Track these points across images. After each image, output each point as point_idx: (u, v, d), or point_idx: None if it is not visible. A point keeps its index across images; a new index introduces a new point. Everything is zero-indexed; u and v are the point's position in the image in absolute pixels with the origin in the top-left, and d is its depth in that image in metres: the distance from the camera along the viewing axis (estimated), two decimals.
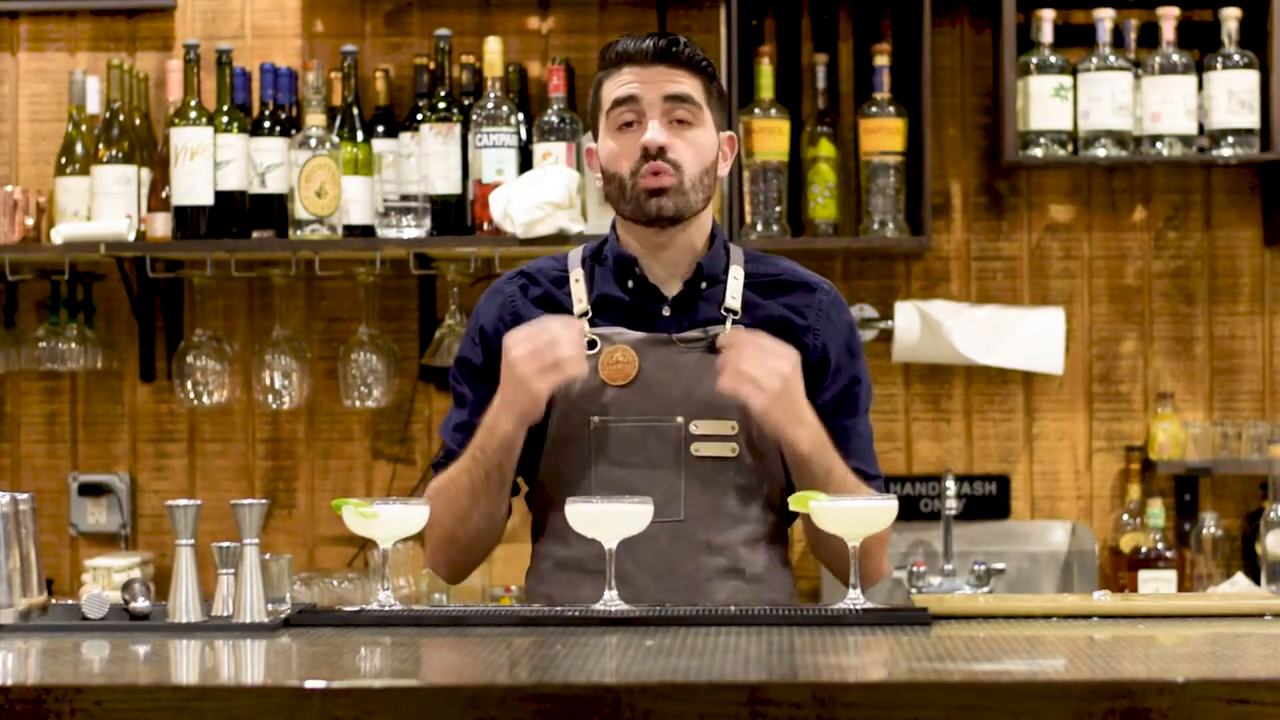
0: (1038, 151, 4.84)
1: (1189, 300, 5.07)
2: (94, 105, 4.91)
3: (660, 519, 3.12)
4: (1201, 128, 4.86)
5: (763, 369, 3.13)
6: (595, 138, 3.32)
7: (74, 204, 4.84)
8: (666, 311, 3.28)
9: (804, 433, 3.18)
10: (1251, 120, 4.83)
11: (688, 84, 3.24)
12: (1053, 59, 4.85)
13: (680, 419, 3.23)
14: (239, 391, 4.99)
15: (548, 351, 3.13)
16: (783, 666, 2.52)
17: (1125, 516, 4.97)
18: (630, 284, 3.29)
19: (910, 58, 4.90)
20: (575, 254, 3.36)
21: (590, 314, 3.28)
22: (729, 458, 3.24)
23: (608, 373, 3.25)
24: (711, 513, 3.21)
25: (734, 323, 3.27)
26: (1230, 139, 4.84)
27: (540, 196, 4.62)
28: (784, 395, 3.14)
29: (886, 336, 5.02)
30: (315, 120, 4.73)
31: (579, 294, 3.30)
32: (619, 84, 3.25)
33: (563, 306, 3.30)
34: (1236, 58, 4.84)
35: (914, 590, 4.82)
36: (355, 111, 4.84)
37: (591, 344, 3.25)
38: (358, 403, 4.89)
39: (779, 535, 3.32)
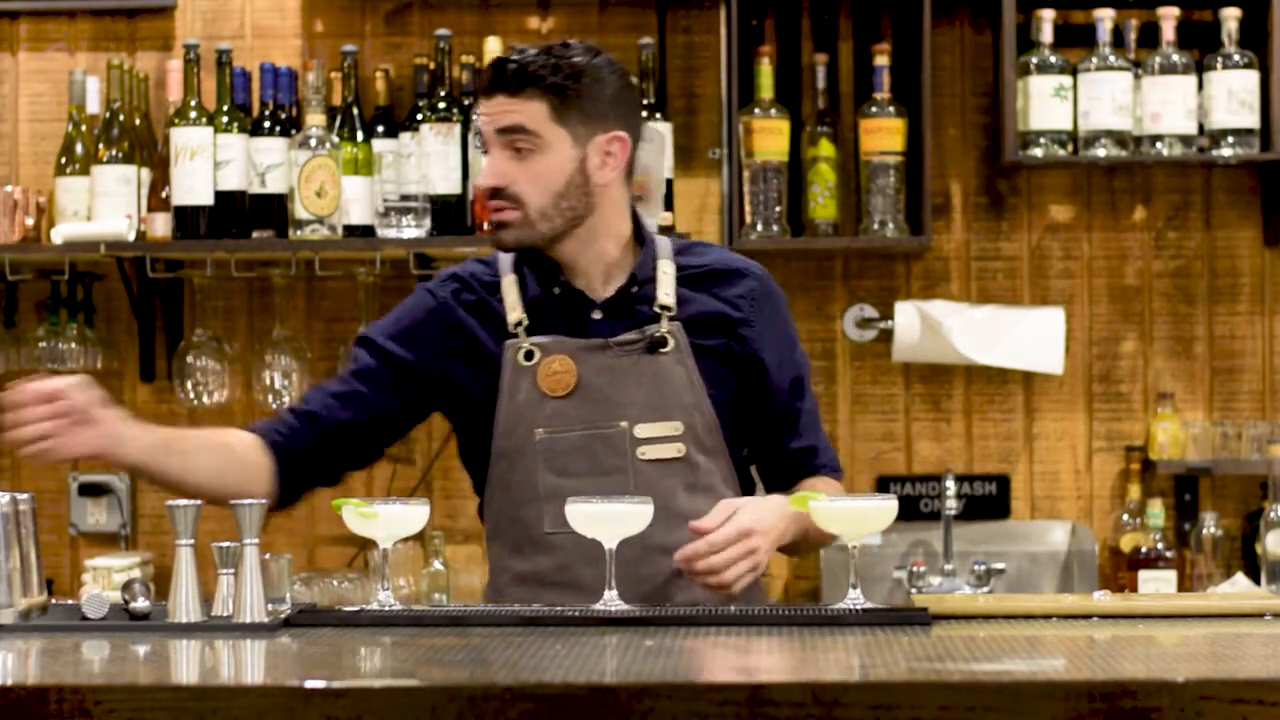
0: (1038, 151, 4.84)
1: (1189, 300, 5.07)
2: (94, 105, 4.91)
3: None
4: (1201, 128, 4.86)
5: (734, 575, 3.08)
6: None
7: (74, 204, 4.84)
8: (598, 315, 3.26)
9: (785, 538, 3.19)
10: (1251, 120, 4.83)
11: (525, 112, 3.18)
12: (1053, 59, 4.85)
13: (624, 424, 3.22)
14: (239, 391, 4.98)
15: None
16: (783, 666, 2.52)
17: (1125, 516, 4.97)
18: (557, 290, 3.27)
19: (910, 58, 4.90)
20: (506, 258, 3.32)
21: (525, 322, 3.26)
22: (677, 458, 3.23)
23: (547, 384, 3.23)
24: (663, 515, 3.19)
25: (669, 319, 3.25)
26: (1230, 139, 4.84)
27: None
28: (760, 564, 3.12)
29: (886, 336, 5.02)
30: (315, 120, 4.73)
31: (512, 301, 3.27)
32: (477, 117, 3.26)
33: (496, 313, 3.27)
34: (1236, 58, 4.84)
35: (914, 590, 4.82)
36: (355, 111, 4.84)
37: (529, 355, 3.24)
38: None
39: None
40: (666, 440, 3.23)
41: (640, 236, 3.32)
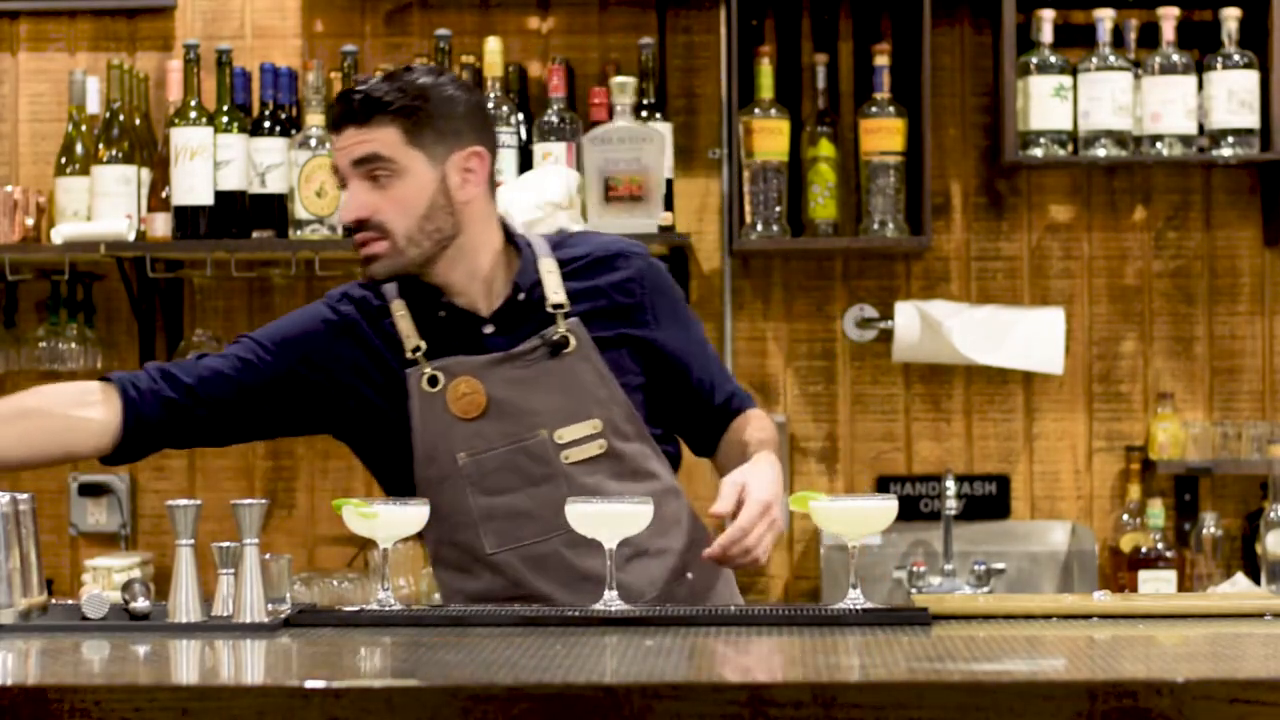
0: (1038, 151, 4.84)
1: (1189, 300, 5.07)
2: (94, 105, 4.91)
3: (554, 533, 3.17)
4: (1201, 128, 4.86)
5: (765, 549, 3.10)
6: None
7: (74, 204, 4.84)
8: (490, 329, 3.24)
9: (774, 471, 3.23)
10: (1251, 120, 4.83)
11: (378, 139, 3.15)
12: (1053, 59, 4.85)
13: (544, 432, 3.22)
14: None
15: None
16: (783, 666, 2.52)
17: (1125, 516, 4.97)
18: (443, 314, 3.25)
19: (910, 58, 4.90)
20: (390, 285, 3.28)
21: (423, 348, 3.23)
22: (600, 455, 3.23)
23: (458, 407, 3.21)
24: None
25: (565, 316, 3.24)
26: (1230, 139, 4.84)
27: (540, 196, 4.62)
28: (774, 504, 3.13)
29: (886, 336, 5.02)
30: (315, 120, 4.73)
31: (406, 328, 3.24)
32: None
33: (392, 337, 3.24)
34: (1236, 58, 4.84)
35: (914, 590, 4.82)
36: None
37: (434, 381, 3.22)
38: None
39: (668, 493, 3.30)
40: (588, 440, 3.23)
41: (514, 244, 3.30)
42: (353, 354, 3.26)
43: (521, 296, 3.25)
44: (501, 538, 3.22)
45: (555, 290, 3.25)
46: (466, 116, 3.22)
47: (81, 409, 3.22)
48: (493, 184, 3.28)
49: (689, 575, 3.31)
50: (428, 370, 3.22)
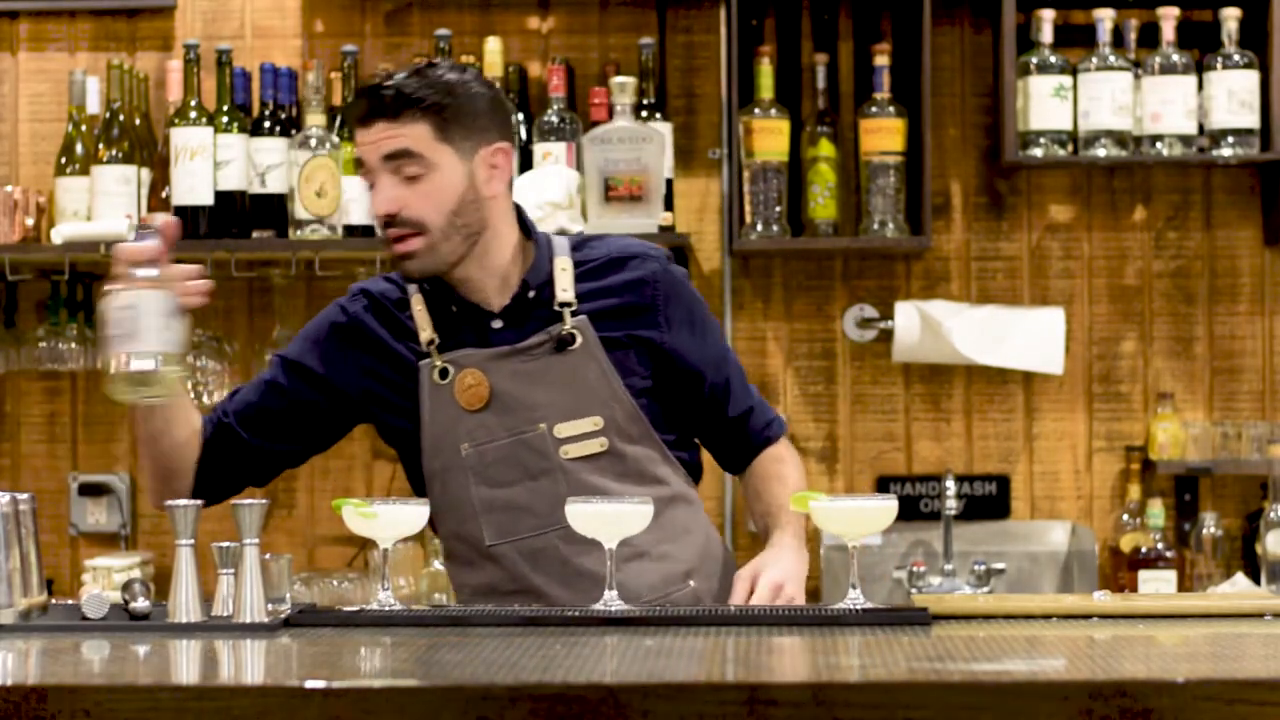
0: (1038, 151, 4.84)
1: (1189, 300, 5.07)
2: (94, 105, 4.91)
3: (551, 527, 3.18)
4: (1201, 128, 4.86)
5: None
6: None
7: (74, 204, 4.84)
8: (498, 324, 3.26)
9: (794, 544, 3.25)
10: (1251, 120, 4.83)
11: (408, 135, 3.17)
12: (1053, 59, 4.85)
13: (544, 426, 3.23)
14: None
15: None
16: (783, 666, 2.52)
17: (1125, 516, 4.97)
18: (454, 309, 3.27)
19: (910, 58, 4.90)
20: None
21: (437, 340, 3.26)
22: (601, 452, 3.24)
23: (465, 399, 3.24)
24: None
25: (573, 314, 3.25)
26: (1230, 139, 4.84)
27: (540, 196, 4.62)
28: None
29: (886, 336, 5.02)
30: (315, 120, 4.73)
31: (422, 321, 3.28)
32: (355, 147, 3.24)
33: (407, 329, 3.28)
34: (1236, 58, 4.84)
35: (914, 590, 4.82)
36: None
37: (444, 373, 3.24)
38: None
39: (677, 500, 3.31)
40: (588, 436, 3.24)
41: (532, 240, 3.32)
42: (370, 349, 3.30)
43: (531, 294, 3.26)
44: (500, 530, 3.23)
45: (565, 288, 3.27)
46: (491, 112, 3.25)
47: (194, 449, 3.32)
48: (512, 180, 3.30)
49: (691, 583, 3.31)
50: (438, 363, 3.25)
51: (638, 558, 3.24)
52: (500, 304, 3.27)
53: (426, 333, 3.27)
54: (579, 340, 3.24)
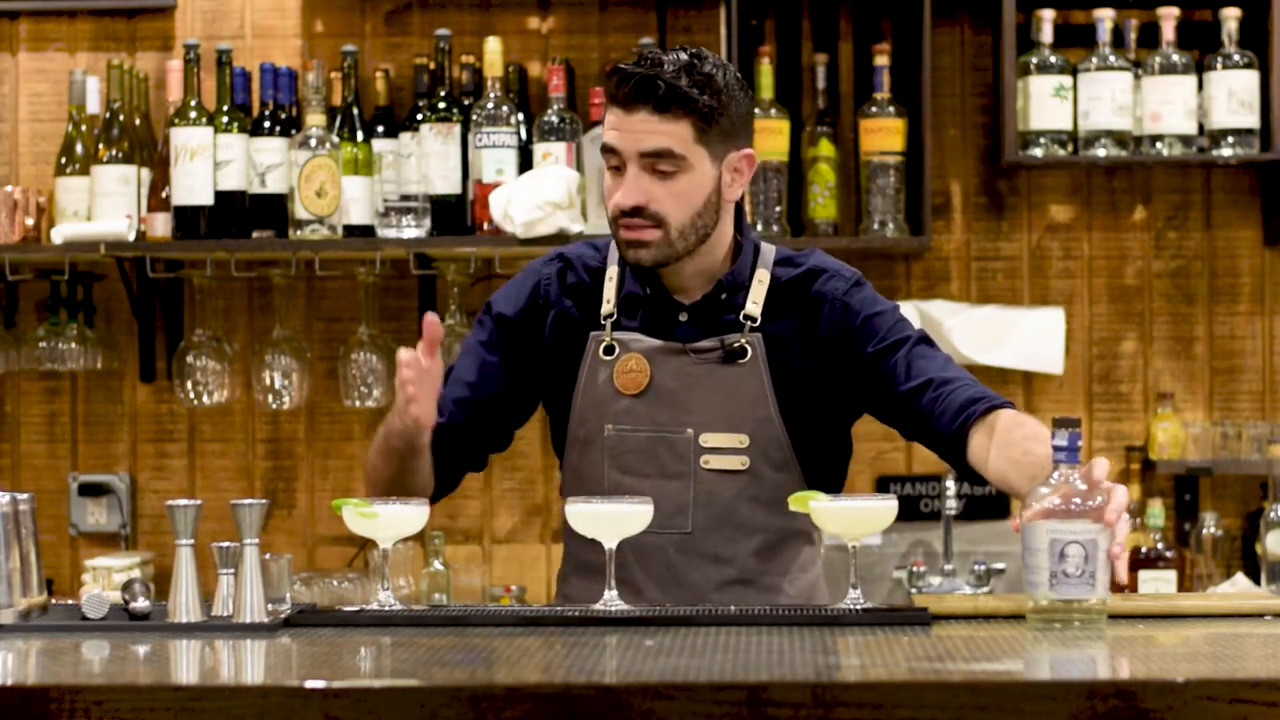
0: (1038, 151, 4.84)
1: (1189, 300, 5.07)
2: (94, 105, 4.91)
3: (668, 530, 3.15)
4: (1201, 128, 4.86)
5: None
6: None
7: (74, 204, 4.84)
8: (684, 318, 3.25)
9: None
10: (1251, 120, 4.84)
11: (669, 133, 3.13)
12: (1053, 59, 4.85)
13: (690, 431, 3.21)
14: (239, 391, 4.99)
15: (402, 389, 3.09)
16: (783, 666, 2.52)
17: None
18: (648, 290, 3.26)
19: (910, 58, 4.90)
20: (613, 250, 3.29)
21: (615, 315, 3.25)
22: (740, 470, 3.22)
23: (621, 381, 3.23)
24: (720, 524, 3.20)
25: (751, 330, 3.23)
26: (1230, 139, 4.84)
27: (540, 196, 4.62)
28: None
29: None
30: (315, 120, 4.73)
31: (609, 293, 3.26)
32: (607, 126, 3.17)
33: (594, 297, 3.27)
34: (1236, 58, 4.84)
35: (914, 590, 4.82)
36: (355, 111, 4.84)
37: (610, 350, 3.24)
38: (358, 403, 4.89)
39: (802, 536, 3.29)
40: (731, 452, 3.21)
41: (745, 243, 3.29)
42: (551, 311, 3.29)
43: (724, 296, 3.24)
44: None
45: (755, 302, 3.23)
46: (745, 118, 3.23)
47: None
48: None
49: None
50: (608, 339, 3.24)
51: (741, 583, 3.22)
52: (693, 299, 3.25)
53: (609, 306, 3.25)
54: (749, 355, 3.22)
